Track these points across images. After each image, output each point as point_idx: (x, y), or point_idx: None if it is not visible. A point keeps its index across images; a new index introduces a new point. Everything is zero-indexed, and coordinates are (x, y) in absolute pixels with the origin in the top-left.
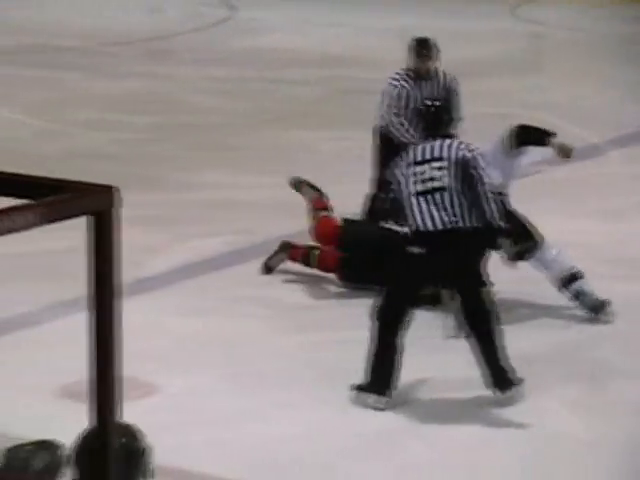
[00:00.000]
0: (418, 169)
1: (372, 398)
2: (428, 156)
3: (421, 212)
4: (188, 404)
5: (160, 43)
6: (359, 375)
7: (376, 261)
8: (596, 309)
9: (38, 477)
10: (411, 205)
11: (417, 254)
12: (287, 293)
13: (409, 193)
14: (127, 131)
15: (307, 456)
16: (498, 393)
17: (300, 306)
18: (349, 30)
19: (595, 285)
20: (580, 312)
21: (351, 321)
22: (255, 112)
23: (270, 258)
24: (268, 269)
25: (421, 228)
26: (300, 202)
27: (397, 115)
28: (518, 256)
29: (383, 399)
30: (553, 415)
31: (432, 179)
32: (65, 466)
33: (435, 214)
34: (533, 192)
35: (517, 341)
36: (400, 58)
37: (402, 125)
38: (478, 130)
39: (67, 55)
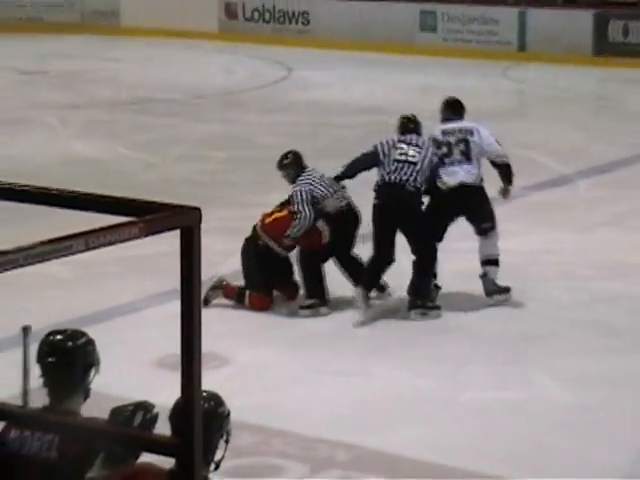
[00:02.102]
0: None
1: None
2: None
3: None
4: (253, 373)
5: (233, 96)
6: (394, 350)
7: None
8: (488, 292)
9: (137, 430)
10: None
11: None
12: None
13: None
14: (210, 163)
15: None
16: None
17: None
18: (382, 86)
19: (570, 281)
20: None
21: None
22: (308, 149)
23: (207, 292)
24: (205, 302)
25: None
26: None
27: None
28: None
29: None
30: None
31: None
32: (156, 423)
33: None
34: (519, 211)
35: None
36: (420, 107)
37: None
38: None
39: (163, 104)
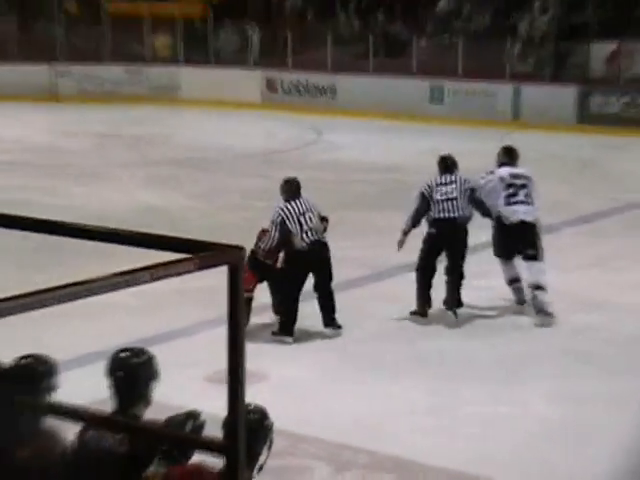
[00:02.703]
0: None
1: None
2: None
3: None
4: (294, 390)
5: (272, 156)
6: (405, 364)
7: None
8: (538, 311)
9: (191, 434)
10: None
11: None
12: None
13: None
14: (251, 211)
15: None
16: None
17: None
18: (397, 149)
19: (557, 315)
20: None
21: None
22: (334, 202)
23: None
24: None
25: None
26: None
27: None
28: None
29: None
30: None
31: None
32: (203, 429)
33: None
34: (545, 249)
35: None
36: (429, 167)
37: None
38: None
39: (214, 162)
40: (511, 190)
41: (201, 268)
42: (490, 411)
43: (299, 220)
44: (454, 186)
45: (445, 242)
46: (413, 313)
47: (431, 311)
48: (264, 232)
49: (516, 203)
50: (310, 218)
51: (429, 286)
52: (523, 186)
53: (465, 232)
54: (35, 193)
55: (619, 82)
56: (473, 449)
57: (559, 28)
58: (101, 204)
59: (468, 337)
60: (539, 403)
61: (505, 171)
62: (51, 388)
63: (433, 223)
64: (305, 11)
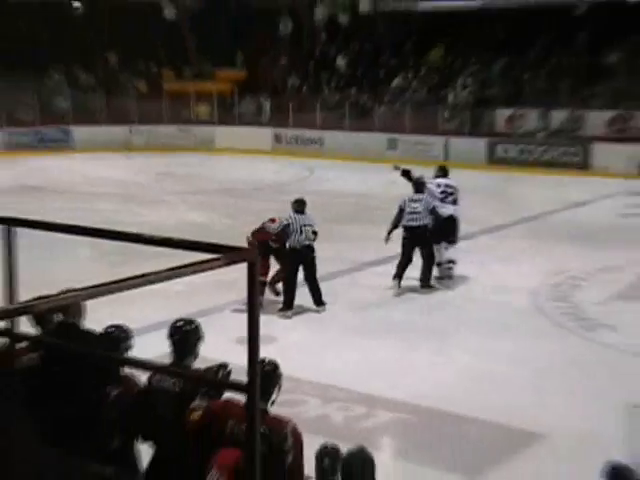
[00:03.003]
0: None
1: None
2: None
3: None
4: (295, 349)
5: (279, 187)
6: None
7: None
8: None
9: (222, 379)
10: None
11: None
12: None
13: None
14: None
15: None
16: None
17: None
18: (365, 182)
19: (501, 295)
20: None
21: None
22: (322, 218)
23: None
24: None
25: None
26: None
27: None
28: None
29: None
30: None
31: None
32: (230, 375)
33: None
34: (468, 250)
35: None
36: (388, 194)
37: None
38: None
39: (239, 191)
40: (443, 195)
41: (228, 264)
42: (431, 360)
43: (300, 229)
44: (421, 203)
45: (414, 241)
46: (398, 277)
47: (395, 293)
48: (272, 220)
49: (446, 203)
50: (307, 229)
51: (404, 267)
52: (451, 193)
53: (426, 233)
54: (119, 214)
55: (515, 136)
56: (419, 386)
57: (475, 99)
58: (160, 220)
59: (416, 309)
60: (464, 356)
61: (440, 181)
62: (128, 348)
63: (404, 228)
64: (301, 87)
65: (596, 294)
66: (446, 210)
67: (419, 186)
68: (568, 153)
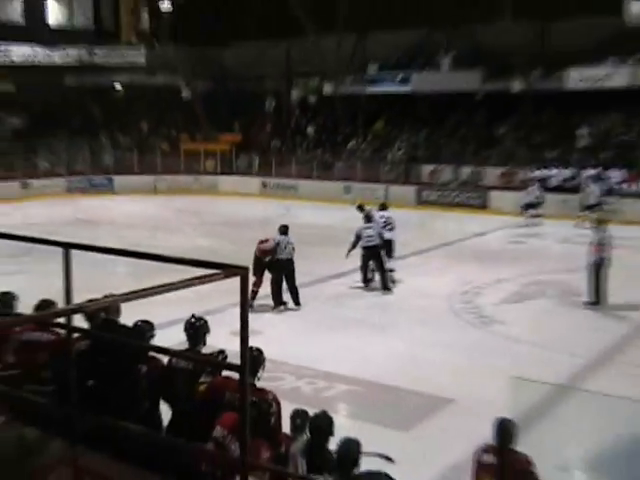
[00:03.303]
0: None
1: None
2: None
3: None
4: (276, 339)
5: (266, 221)
6: (372, 325)
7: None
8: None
9: (221, 361)
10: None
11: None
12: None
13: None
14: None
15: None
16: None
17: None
18: (327, 216)
19: (425, 299)
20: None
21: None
22: (297, 243)
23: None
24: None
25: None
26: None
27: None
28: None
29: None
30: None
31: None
32: (227, 358)
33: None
34: (402, 267)
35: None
36: (346, 224)
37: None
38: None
39: (235, 224)
40: (384, 223)
41: (226, 277)
42: (374, 347)
43: (285, 246)
44: (372, 229)
45: (369, 258)
46: (365, 282)
47: (346, 295)
48: (266, 240)
49: (386, 230)
50: (289, 247)
51: (366, 274)
52: (389, 223)
53: (379, 252)
54: (148, 240)
55: (435, 185)
56: (366, 365)
57: (407, 157)
58: (179, 244)
59: (366, 309)
60: (398, 343)
61: (382, 213)
62: (152, 336)
63: (362, 249)
64: (281, 148)
65: (491, 299)
66: (386, 234)
67: (369, 218)
68: (472, 197)
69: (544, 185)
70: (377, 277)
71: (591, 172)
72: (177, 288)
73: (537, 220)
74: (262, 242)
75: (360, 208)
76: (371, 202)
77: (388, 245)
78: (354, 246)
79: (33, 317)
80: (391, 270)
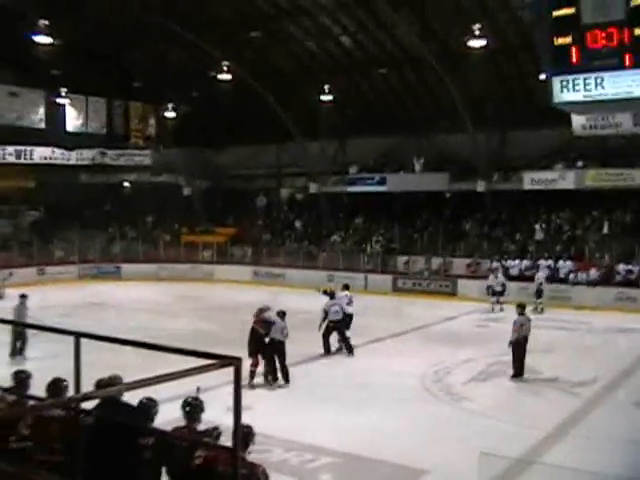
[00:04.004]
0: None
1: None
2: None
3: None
4: (266, 412)
5: (257, 305)
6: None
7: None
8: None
9: (214, 439)
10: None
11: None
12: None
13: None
14: (248, 329)
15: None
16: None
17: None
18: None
19: (400, 377)
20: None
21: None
22: (288, 321)
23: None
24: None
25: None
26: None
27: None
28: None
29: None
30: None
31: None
32: (221, 435)
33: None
34: (379, 349)
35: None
36: (314, 305)
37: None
38: None
39: (229, 308)
40: (347, 300)
41: (222, 367)
42: (352, 420)
43: (281, 330)
44: (337, 306)
45: (334, 328)
46: (325, 353)
47: (329, 374)
48: (263, 309)
49: (349, 306)
50: (285, 331)
51: (328, 344)
52: (351, 299)
53: (342, 324)
54: (152, 322)
55: (409, 274)
56: (345, 437)
57: (383, 250)
58: (180, 327)
59: (344, 386)
60: (374, 416)
61: (345, 292)
62: (156, 413)
63: (328, 322)
64: (271, 240)
65: (460, 377)
66: (348, 309)
67: (333, 296)
68: (443, 285)
69: (506, 274)
70: (337, 345)
71: (543, 263)
72: (176, 378)
73: (500, 307)
74: (262, 310)
75: (325, 292)
76: (352, 290)
77: (349, 318)
78: (324, 320)
79: (53, 403)
80: (349, 337)
